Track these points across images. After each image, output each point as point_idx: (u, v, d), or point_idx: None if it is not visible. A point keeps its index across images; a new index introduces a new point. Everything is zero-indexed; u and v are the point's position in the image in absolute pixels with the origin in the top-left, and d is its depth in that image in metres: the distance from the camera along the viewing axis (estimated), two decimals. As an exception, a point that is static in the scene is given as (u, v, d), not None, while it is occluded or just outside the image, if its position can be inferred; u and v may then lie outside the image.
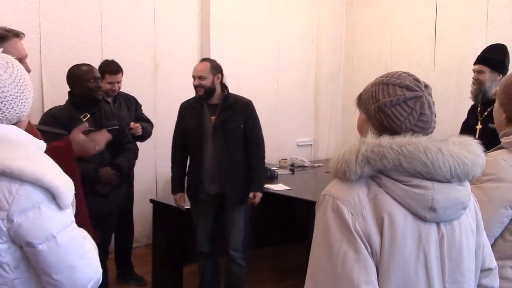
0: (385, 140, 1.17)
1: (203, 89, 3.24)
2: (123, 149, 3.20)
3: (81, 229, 1.39)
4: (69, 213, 1.29)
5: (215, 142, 3.23)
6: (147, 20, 4.72)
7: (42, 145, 1.35)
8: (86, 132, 2.45)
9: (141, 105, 4.17)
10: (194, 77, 3.30)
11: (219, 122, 3.22)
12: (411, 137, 1.19)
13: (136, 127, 3.86)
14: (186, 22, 4.99)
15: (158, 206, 3.89)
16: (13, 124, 1.30)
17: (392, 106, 1.22)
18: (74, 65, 3.14)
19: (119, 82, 3.85)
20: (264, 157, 3.42)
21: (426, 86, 1.27)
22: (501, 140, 1.74)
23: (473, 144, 1.26)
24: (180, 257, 3.66)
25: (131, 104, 4.08)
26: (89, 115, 2.98)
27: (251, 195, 3.27)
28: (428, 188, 1.17)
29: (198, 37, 5.09)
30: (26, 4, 4.01)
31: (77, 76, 3.01)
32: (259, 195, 3.31)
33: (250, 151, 3.32)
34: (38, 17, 4.08)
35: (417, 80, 1.26)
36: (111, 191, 3.08)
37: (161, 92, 4.77)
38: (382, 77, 1.29)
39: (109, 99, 3.96)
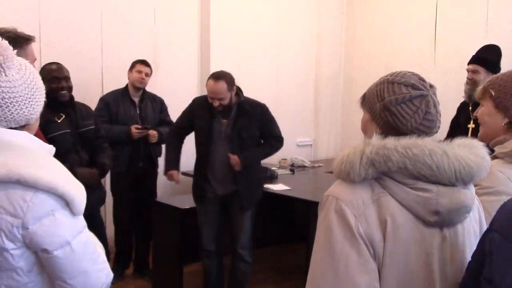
0: (390, 142, 1.16)
1: (222, 106, 3.19)
2: (100, 148, 3.17)
3: (90, 233, 1.39)
4: (82, 218, 1.30)
5: (229, 147, 3.22)
6: (147, 20, 4.72)
7: (51, 149, 1.36)
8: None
9: (166, 107, 4.24)
10: (212, 98, 3.15)
11: (235, 129, 3.22)
12: (416, 139, 1.17)
13: (153, 134, 3.92)
14: (186, 22, 4.99)
15: (158, 206, 3.88)
16: (21, 126, 1.31)
17: (397, 104, 1.21)
18: (45, 64, 3.10)
19: (147, 74, 4.01)
20: (277, 146, 3.41)
21: (431, 85, 1.25)
22: (494, 148, 1.65)
23: (478, 147, 1.24)
24: (180, 257, 3.66)
25: (156, 105, 4.16)
26: (64, 116, 2.95)
27: (232, 156, 3.19)
28: (433, 191, 1.16)
29: (198, 37, 5.09)
30: (26, 4, 4.01)
31: (42, 76, 2.99)
32: (236, 160, 3.18)
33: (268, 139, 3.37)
34: (38, 17, 4.08)
35: (422, 79, 1.25)
36: (88, 193, 3.01)
37: (161, 92, 4.74)
38: (386, 76, 1.28)
39: (136, 98, 4.04)
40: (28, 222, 1.19)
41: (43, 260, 1.24)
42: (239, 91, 3.30)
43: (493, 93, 1.63)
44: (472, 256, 1.17)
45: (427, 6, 5.26)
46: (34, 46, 4.18)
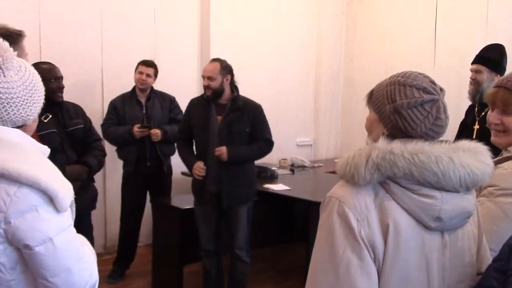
0: (397, 146, 1.14)
1: (211, 90, 3.22)
2: (89, 147, 3.16)
3: (80, 235, 1.38)
4: (67, 216, 1.29)
5: (219, 143, 3.22)
6: (147, 20, 4.72)
7: (45, 150, 1.36)
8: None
9: (177, 105, 4.21)
10: (203, 77, 3.28)
11: (225, 123, 3.23)
12: (423, 144, 1.15)
13: (155, 133, 3.90)
14: (186, 22, 4.99)
15: (158, 206, 3.89)
16: (18, 127, 1.31)
17: (409, 108, 1.18)
18: (34, 63, 3.06)
19: (148, 75, 4.00)
20: (265, 149, 3.39)
21: (441, 89, 1.24)
22: (508, 149, 1.60)
23: (483, 152, 1.22)
24: (180, 257, 3.66)
25: (165, 103, 4.14)
26: (50, 116, 2.93)
27: (217, 148, 3.21)
28: (436, 198, 1.15)
29: (198, 37, 5.09)
30: (26, 4, 4.01)
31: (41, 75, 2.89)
32: (223, 150, 3.17)
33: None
34: (38, 17, 4.08)
35: (433, 82, 1.23)
36: (80, 191, 2.98)
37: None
38: (398, 77, 1.24)
39: (143, 98, 4.04)
40: (10, 216, 1.18)
41: (25, 257, 1.23)
42: (234, 88, 3.32)
43: (495, 94, 1.57)
44: (497, 257, 1.17)
45: (427, 6, 5.25)
46: (34, 46, 4.20)
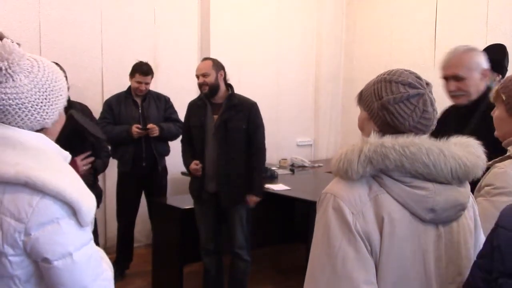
0: (388, 140, 1.17)
1: (208, 86, 3.25)
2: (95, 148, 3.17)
3: (99, 248, 1.34)
4: (88, 230, 1.24)
5: (216, 141, 3.24)
6: (147, 20, 4.72)
7: (66, 155, 1.30)
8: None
9: (171, 105, 4.24)
10: (197, 76, 3.31)
11: (221, 121, 3.24)
12: (414, 137, 1.19)
13: (153, 127, 3.92)
14: (186, 22, 5.00)
15: (157, 206, 3.89)
16: (37, 130, 1.23)
17: (395, 103, 1.22)
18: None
19: (147, 83, 4.01)
20: (263, 160, 3.40)
21: (427, 83, 1.27)
22: (508, 149, 1.64)
23: (474, 146, 1.26)
24: (180, 257, 3.66)
25: (161, 103, 4.17)
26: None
27: (247, 198, 3.29)
28: (429, 189, 1.18)
29: (198, 37, 5.09)
30: (26, 4, 4.02)
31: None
32: (254, 199, 3.30)
33: (251, 151, 3.32)
34: (38, 17, 4.09)
35: (418, 77, 1.27)
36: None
37: (160, 92, 4.77)
38: (384, 75, 1.28)
39: (139, 98, 4.07)
40: (31, 227, 1.13)
41: (43, 271, 1.18)
42: (229, 86, 3.34)
43: (504, 98, 1.62)
44: (480, 253, 1.17)
45: (427, 6, 5.26)
46: (34, 46, 4.20)
